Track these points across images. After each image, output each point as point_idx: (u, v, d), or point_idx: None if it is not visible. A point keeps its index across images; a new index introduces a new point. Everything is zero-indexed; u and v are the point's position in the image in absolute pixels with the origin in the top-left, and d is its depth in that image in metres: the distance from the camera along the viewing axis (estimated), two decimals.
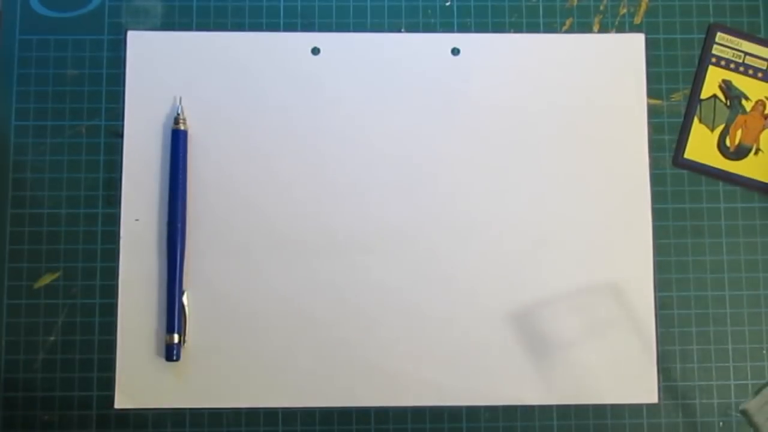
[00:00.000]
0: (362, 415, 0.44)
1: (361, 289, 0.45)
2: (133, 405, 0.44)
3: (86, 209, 0.45)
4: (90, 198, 0.45)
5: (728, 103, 0.47)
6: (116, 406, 0.44)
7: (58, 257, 0.45)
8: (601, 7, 0.48)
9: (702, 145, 0.47)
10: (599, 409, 0.44)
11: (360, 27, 0.47)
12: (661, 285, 0.46)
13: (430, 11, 0.47)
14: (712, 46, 0.48)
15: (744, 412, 0.38)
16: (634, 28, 0.48)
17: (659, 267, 0.46)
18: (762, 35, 0.48)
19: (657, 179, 0.46)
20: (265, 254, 0.45)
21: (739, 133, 0.47)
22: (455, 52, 0.47)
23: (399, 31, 0.47)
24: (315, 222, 0.45)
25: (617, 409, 0.44)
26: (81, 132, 0.46)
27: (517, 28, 0.47)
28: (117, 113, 0.46)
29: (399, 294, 0.45)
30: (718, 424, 0.45)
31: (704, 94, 0.47)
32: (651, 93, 0.47)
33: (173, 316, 0.44)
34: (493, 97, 0.47)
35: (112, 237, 0.45)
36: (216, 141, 0.46)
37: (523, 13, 0.48)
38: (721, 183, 0.47)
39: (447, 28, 0.47)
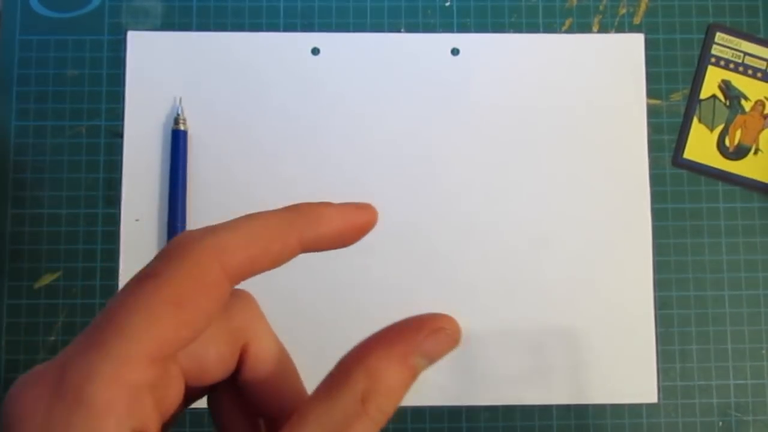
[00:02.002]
0: None
1: (361, 289, 0.45)
2: None
3: (86, 209, 0.45)
4: (90, 198, 0.45)
5: (727, 103, 0.47)
6: None
7: (58, 257, 0.45)
8: (601, 7, 0.48)
9: (701, 145, 0.47)
10: (599, 409, 0.45)
11: (360, 27, 0.47)
12: (660, 285, 0.46)
13: (429, 11, 0.47)
14: (711, 46, 0.48)
15: None
16: (634, 28, 0.48)
17: (659, 267, 0.46)
18: (761, 35, 0.48)
19: (656, 179, 0.47)
20: None
21: (738, 133, 0.47)
22: (455, 52, 0.47)
23: (399, 31, 0.47)
24: None
25: (617, 409, 0.44)
26: (81, 132, 0.46)
27: (517, 28, 0.48)
28: (117, 113, 0.46)
29: (399, 294, 0.45)
30: (718, 424, 0.45)
31: (704, 94, 0.47)
32: (650, 93, 0.47)
33: None
34: (492, 97, 0.47)
35: (112, 237, 0.45)
36: (216, 141, 0.46)
37: (522, 14, 0.48)
38: (720, 183, 0.47)
39: (447, 28, 0.47)
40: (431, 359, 0.18)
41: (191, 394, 0.19)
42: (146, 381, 0.16)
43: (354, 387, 0.17)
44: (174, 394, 0.18)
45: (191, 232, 0.17)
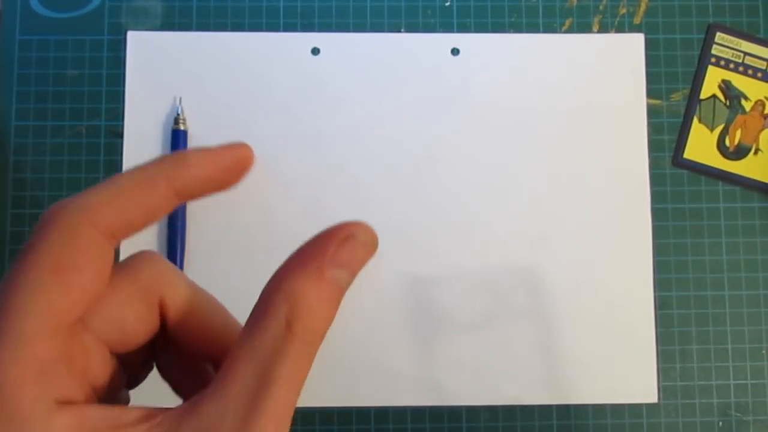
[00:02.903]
0: (362, 415, 0.44)
1: (361, 289, 0.45)
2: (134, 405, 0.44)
3: None
4: None
5: (728, 103, 0.47)
6: None
7: None
8: (601, 7, 0.48)
9: (701, 145, 0.47)
10: (599, 409, 0.45)
11: (360, 27, 0.47)
12: (660, 285, 0.46)
13: (429, 11, 0.48)
14: (711, 46, 0.48)
15: None
16: (634, 28, 0.48)
17: (659, 267, 0.46)
18: (761, 35, 0.48)
19: (656, 179, 0.47)
20: (266, 254, 0.45)
21: (738, 133, 0.47)
22: (455, 52, 0.47)
23: (399, 31, 0.47)
24: (315, 221, 0.45)
25: (617, 409, 0.44)
26: (81, 132, 0.46)
27: (517, 28, 0.48)
28: (117, 113, 0.46)
29: (399, 294, 0.45)
30: (718, 423, 0.45)
31: (704, 94, 0.47)
32: (651, 93, 0.47)
33: None
34: (492, 97, 0.47)
35: None
36: (216, 141, 0.46)
37: (522, 13, 0.48)
38: (720, 183, 0.47)
39: (447, 28, 0.47)
40: (350, 270, 0.18)
41: (134, 359, 0.19)
42: (52, 353, 0.16)
43: (277, 314, 0.17)
44: (98, 363, 0.18)
45: (62, 200, 0.17)
